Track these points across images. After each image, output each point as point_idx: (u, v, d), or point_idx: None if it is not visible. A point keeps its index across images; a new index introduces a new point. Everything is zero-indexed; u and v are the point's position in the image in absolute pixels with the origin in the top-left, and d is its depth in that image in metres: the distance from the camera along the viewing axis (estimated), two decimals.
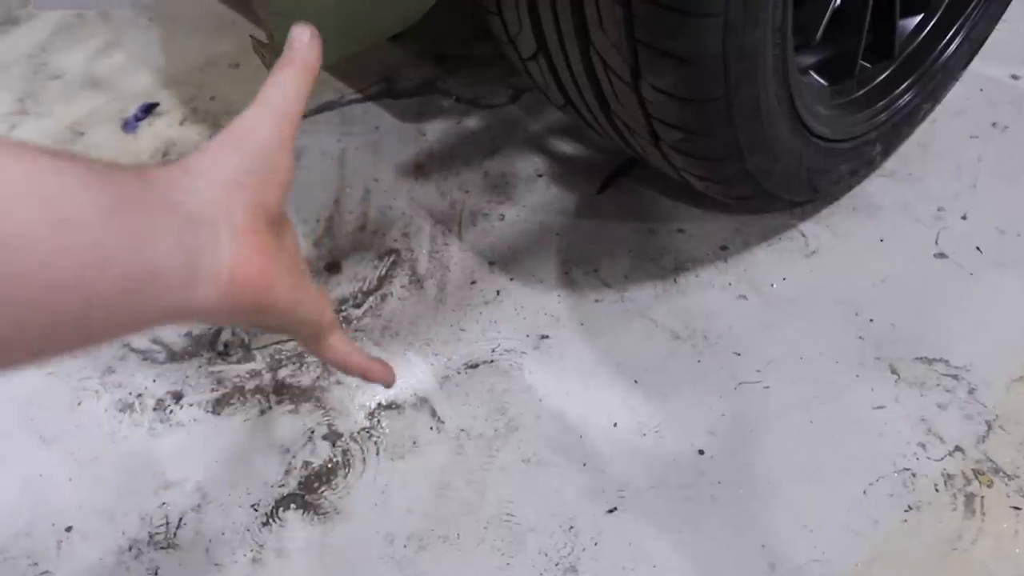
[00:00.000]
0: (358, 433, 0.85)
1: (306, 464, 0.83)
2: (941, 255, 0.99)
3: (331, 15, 0.67)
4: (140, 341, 0.98)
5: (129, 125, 1.38)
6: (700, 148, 0.76)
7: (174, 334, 0.98)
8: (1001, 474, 0.77)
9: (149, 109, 1.40)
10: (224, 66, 1.42)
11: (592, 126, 0.90)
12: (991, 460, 0.78)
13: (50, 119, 1.41)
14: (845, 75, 0.95)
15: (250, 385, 0.91)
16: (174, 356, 0.96)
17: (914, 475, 0.77)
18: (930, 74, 1.02)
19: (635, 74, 0.70)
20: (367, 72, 1.36)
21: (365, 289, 1.00)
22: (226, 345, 0.96)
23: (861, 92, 0.97)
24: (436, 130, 1.24)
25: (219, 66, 1.43)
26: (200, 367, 0.94)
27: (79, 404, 0.92)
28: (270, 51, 0.67)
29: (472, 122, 1.25)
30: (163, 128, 1.35)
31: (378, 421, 0.86)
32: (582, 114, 0.88)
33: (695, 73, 0.67)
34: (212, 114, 1.35)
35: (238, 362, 0.94)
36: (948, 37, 1.03)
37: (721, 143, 0.75)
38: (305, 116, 1.30)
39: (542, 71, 0.84)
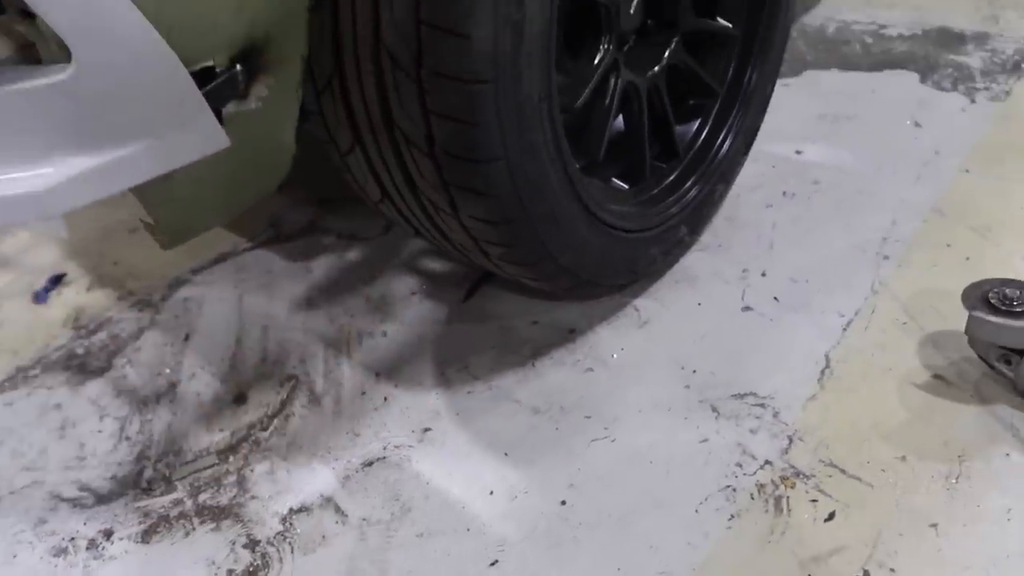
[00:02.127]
0: (274, 537, 0.98)
1: (230, 572, 0.95)
2: (747, 308, 1.21)
3: (202, 197, 0.84)
4: (69, 490, 1.09)
5: (39, 297, 1.50)
6: (516, 257, 0.96)
7: (100, 479, 1.09)
8: (801, 476, 0.95)
9: (57, 280, 1.54)
10: (123, 232, 1.57)
11: (442, 249, 1.10)
12: (793, 467, 0.96)
13: None
14: (640, 178, 1.18)
15: (174, 512, 1.03)
16: (101, 499, 1.07)
17: (734, 490, 0.95)
18: (714, 166, 1.26)
19: (454, 208, 0.90)
20: (256, 221, 1.53)
21: (270, 413, 1.14)
22: (149, 481, 1.08)
23: (657, 189, 1.20)
24: (322, 265, 1.42)
25: (118, 232, 1.58)
26: (127, 504, 1.05)
27: (15, 557, 1.02)
28: (158, 232, 0.83)
29: (352, 255, 1.43)
30: (72, 296, 1.48)
31: (290, 524, 0.99)
32: (439, 246, 1.07)
33: (494, 202, 0.87)
34: (117, 278, 1.50)
35: (161, 494, 1.06)
36: (722, 135, 1.28)
37: (531, 250, 0.95)
38: (201, 270, 1.46)
39: (392, 214, 1.03)
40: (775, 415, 1.03)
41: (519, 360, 1.16)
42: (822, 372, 1.08)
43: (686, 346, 1.15)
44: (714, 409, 1.05)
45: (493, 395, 1.11)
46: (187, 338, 1.31)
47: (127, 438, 1.15)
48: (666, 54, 1.16)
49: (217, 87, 0.71)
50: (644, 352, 1.15)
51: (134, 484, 1.08)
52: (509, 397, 1.10)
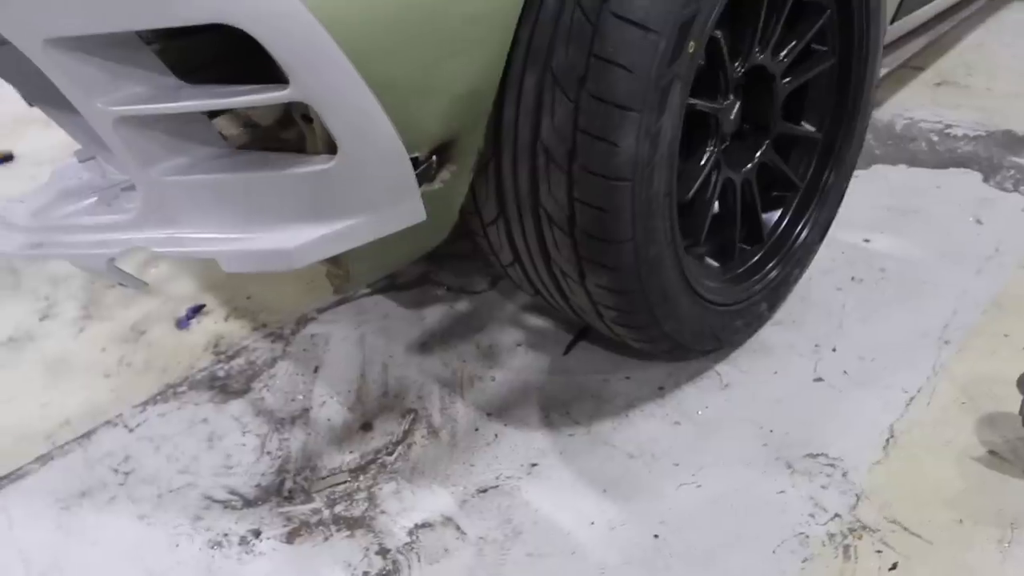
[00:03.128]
0: (402, 547, 1.14)
1: (365, 574, 1.11)
2: (819, 379, 1.35)
3: (382, 253, 1.03)
4: (220, 493, 1.26)
5: (182, 323, 1.71)
6: (628, 321, 1.12)
7: (246, 485, 1.27)
8: (868, 529, 1.08)
9: (198, 309, 1.75)
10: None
11: (557, 308, 1.27)
12: (860, 521, 1.10)
13: (112, 321, 1.74)
14: (729, 258, 1.34)
15: (313, 520, 1.20)
16: (248, 503, 1.24)
17: (807, 536, 1.08)
18: (792, 252, 1.42)
19: (582, 277, 1.08)
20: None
21: (394, 441, 1.31)
22: (290, 491, 1.25)
23: (743, 268, 1.36)
24: (434, 314, 1.60)
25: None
26: (271, 509, 1.22)
27: (177, 546, 1.19)
28: (344, 280, 1.02)
29: (462, 306, 1.62)
30: (211, 324, 1.68)
31: (416, 537, 1.15)
32: (555, 306, 1.24)
33: (618, 275, 1.04)
34: (250, 311, 1.70)
35: (301, 503, 1.23)
36: (801, 225, 1.44)
37: (642, 317, 1.12)
38: (325, 309, 1.66)
39: (518, 276, 1.21)
40: (844, 475, 1.17)
41: (614, 410, 1.32)
42: (887, 441, 1.22)
43: (764, 409, 1.30)
44: (789, 465, 1.19)
45: (592, 439, 1.27)
46: (316, 370, 1.50)
47: (268, 452, 1.33)
48: (758, 154, 1.34)
49: (420, 173, 0.90)
50: (726, 411, 1.30)
51: (277, 492, 1.25)
52: (606, 442, 1.26)
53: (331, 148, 0.80)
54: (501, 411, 1.34)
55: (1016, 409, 1.13)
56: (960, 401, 1.28)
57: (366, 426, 1.35)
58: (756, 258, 1.39)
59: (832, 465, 1.18)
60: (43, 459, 1.38)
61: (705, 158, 1.20)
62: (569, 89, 0.95)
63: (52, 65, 0.72)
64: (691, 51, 0.97)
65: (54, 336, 1.71)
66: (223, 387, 1.49)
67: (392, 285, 1.70)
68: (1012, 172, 1.93)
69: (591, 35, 0.92)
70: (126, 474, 1.32)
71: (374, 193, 0.83)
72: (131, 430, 1.41)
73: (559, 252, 1.07)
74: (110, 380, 1.55)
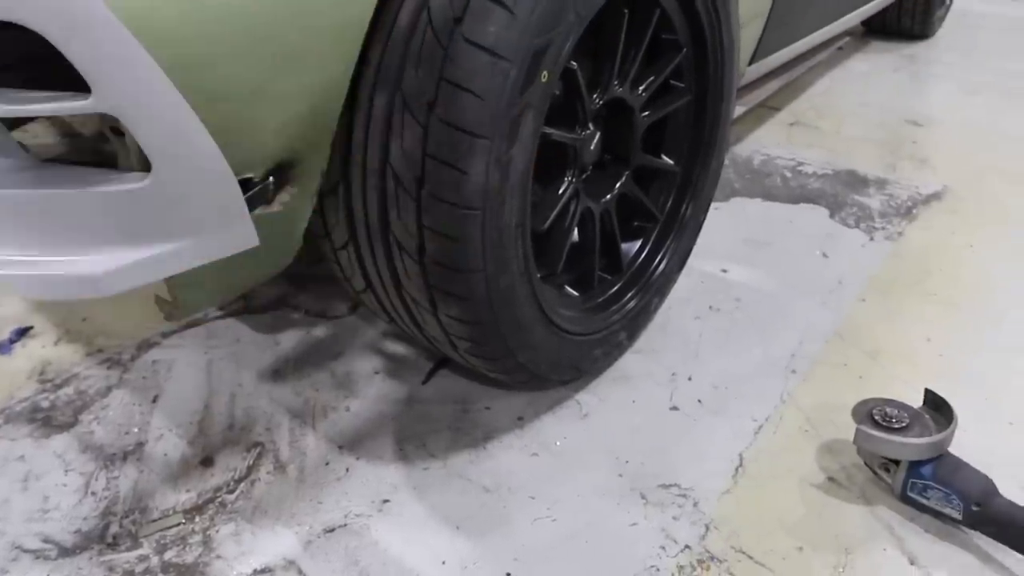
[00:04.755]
0: None
1: None
2: (674, 407, 1.37)
3: (216, 279, 0.96)
4: (31, 541, 1.13)
5: (3, 348, 1.55)
6: (482, 351, 1.10)
7: (64, 532, 1.14)
8: (715, 560, 1.09)
9: (24, 332, 1.59)
10: None
11: (413, 337, 1.22)
12: (708, 552, 1.11)
13: None
14: (588, 287, 1.34)
15: (139, 568, 1.09)
16: (65, 551, 1.12)
17: (658, 570, 1.08)
18: (651, 282, 1.44)
19: (433, 307, 1.04)
20: None
21: (236, 477, 1.22)
22: (115, 537, 1.14)
23: (602, 298, 1.37)
24: (289, 340, 1.52)
25: None
26: (91, 558, 1.11)
27: None
28: (172, 307, 0.94)
29: (319, 331, 1.54)
30: (38, 348, 1.53)
31: None
32: (410, 335, 1.20)
33: (471, 306, 1.01)
34: (85, 335, 1.56)
35: (127, 550, 1.12)
36: (660, 255, 1.46)
37: (496, 348, 1.09)
38: (171, 333, 1.55)
39: (372, 303, 1.16)
40: (695, 505, 1.18)
41: (472, 442, 1.28)
42: (736, 469, 1.24)
43: (621, 438, 1.30)
44: (643, 496, 1.19)
45: (447, 473, 1.23)
46: (155, 399, 1.38)
47: (92, 493, 1.21)
48: (618, 184, 1.35)
49: (253, 195, 0.84)
50: (584, 441, 1.29)
51: (99, 539, 1.13)
52: (462, 475, 1.22)
53: (145, 164, 0.73)
54: (354, 444, 1.28)
55: (852, 437, 1.18)
56: (804, 429, 1.32)
57: (207, 461, 1.26)
58: (615, 288, 1.40)
59: (684, 495, 1.19)
60: None
61: (563, 187, 1.20)
62: (419, 113, 0.92)
63: None
64: (544, 80, 0.95)
65: None
66: (46, 420, 1.35)
67: (246, 308, 1.61)
68: (855, 209, 2.05)
69: (442, 59, 0.90)
70: None
71: (196, 215, 0.77)
72: None
73: (410, 281, 1.03)
74: None
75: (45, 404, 1.38)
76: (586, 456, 1.26)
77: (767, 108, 2.73)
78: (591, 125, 1.22)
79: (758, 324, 1.59)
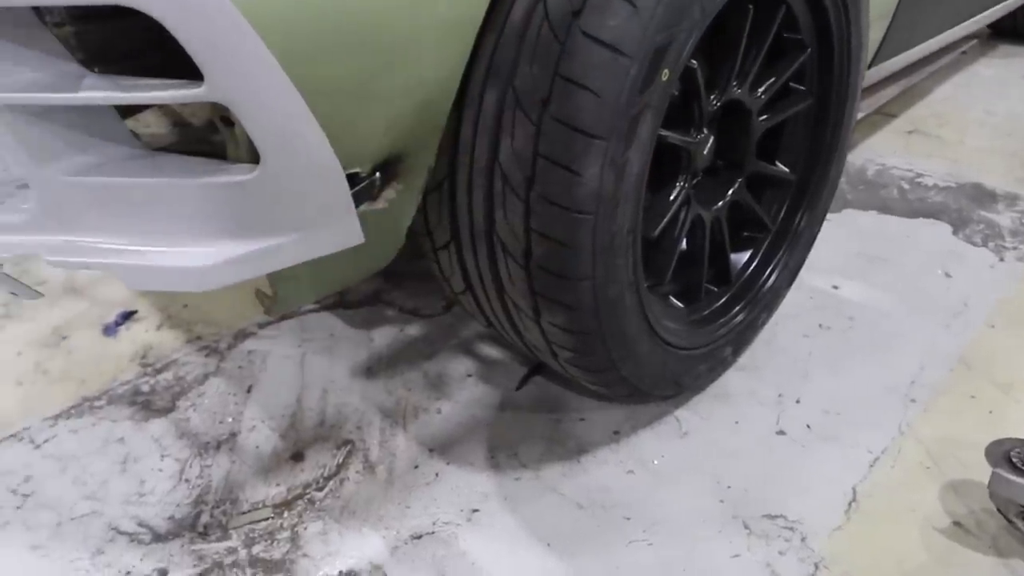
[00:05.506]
0: None
1: None
2: (781, 432, 1.28)
3: (318, 276, 0.94)
4: (127, 524, 1.15)
5: (109, 330, 1.59)
6: (584, 363, 1.04)
7: (158, 517, 1.15)
8: None
9: (128, 316, 1.63)
10: None
11: (511, 342, 1.18)
12: None
13: (33, 323, 1.61)
14: (694, 299, 1.27)
15: (228, 560, 1.09)
16: (158, 537, 1.13)
17: None
18: (760, 296, 1.36)
19: (536, 314, 0.99)
20: None
21: (326, 475, 1.21)
22: (205, 526, 1.14)
23: (708, 311, 1.29)
24: (383, 336, 1.51)
25: None
26: (183, 546, 1.11)
27: None
28: (272, 301, 0.92)
29: (413, 329, 1.52)
30: (141, 333, 1.57)
31: None
32: (508, 339, 1.16)
33: (576, 315, 0.96)
34: (186, 321, 1.59)
35: (216, 540, 1.12)
36: (770, 268, 1.38)
37: (599, 360, 1.04)
38: (267, 324, 1.55)
39: (471, 305, 1.13)
40: (803, 540, 1.09)
41: (566, 454, 1.23)
42: (849, 504, 1.15)
43: (722, 461, 1.22)
44: (746, 526, 1.11)
45: (540, 485, 1.18)
46: (249, 390, 1.39)
47: (186, 480, 1.22)
48: (730, 192, 1.27)
49: (360, 191, 0.81)
50: (683, 461, 1.22)
51: (191, 527, 1.14)
52: (555, 489, 1.17)
53: (255, 156, 0.71)
54: (444, 448, 1.25)
55: (983, 478, 1.07)
56: (925, 465, 1.21)
57: (297, 456, 1.25)
58: (722, 300, 1.32)
59: (791, 528, 1.11)
60: None
61: (675, 193, 1.14)
62: (531, 110, 0.87)
63: None
64: (664, 79, 0.89)
65: None
66: (146, 404, 1.37)
67: (341, 302, 1.61)
68: (982, 226, 1.90)
69: (558, 54, 0.85)
70: (25, 496, 1.20)
71: (303, 210, 0.74)
72: (37, 446, 1.29)
73: (513, 285, 0.99)
74: (22, 388, 1.42)
75: (145, 388, 1.41)
76: (685, 477, 1.20)
77: (882, 115, 2.58)
78: (706, 128, 1.15)
79: (873, 346, 1.48)
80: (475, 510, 1.14)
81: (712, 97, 1.12)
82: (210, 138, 0.89)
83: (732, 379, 1.39)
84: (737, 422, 1.30)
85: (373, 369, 1.42)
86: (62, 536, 1.14)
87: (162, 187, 0.71)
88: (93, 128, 0.73)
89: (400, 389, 1.37)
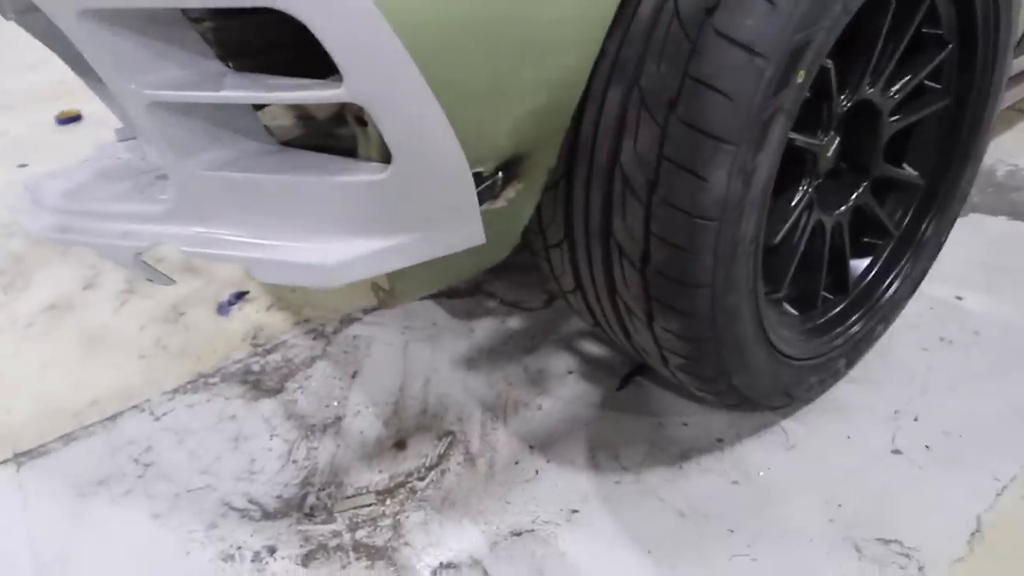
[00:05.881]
0: None
1: None
2: (897, 451, 1.22)
3: (434, 271, 0.94)
4: (239, 500, 1.19)
5: (223, 309, 1.66)
6: (695, 370, 1.01)
7: (267, 496, 1.20)
8: None
9: (240, 296, 1.69)
10: None
11: (617, 344, 1.17)
12: None
13: (153, 299, 1.69)
14: (810, 307, 1.22)
15: (332, 543, 1.12)
16: (267, 515, 1.17)
17: None
18: (878, 305, 1.29)
19: (649, 319, 0.97)
20: None
21: (427, 465, 1.23)
22: (311, 508, 1.18)
23: (823, 320, 1.24)
24: (484, 328, 1.51)
25: None
26: (290, 526, 1.15)
27: (188, 553, 1.12)
28: (388, 295, 0.93)
29: (514, 322, 1.52)
30: (252, 313, 1.63)
31: None
32: (614, 340, 1.14)
33: (692, 322, 0.94)
34: (294, 303, 1.64)
35: (322, 523, 1.15)
36: (891, 276, 1.30)
37: (711, 368, 1.01)
38: (372, 310, 1.58)
39: (579, 304, 1.11)
40: (920, 569, 1.04)
41: (667, 459, 1.21)
42: (972, 534, 1.08)
43: (833, 478, 1.17)
44: (857, 549, 1.07)
45: (640, 489, 1.16)
46: (354, 375, 1.42)
47: (294, 461, 1.26)
48: (853, 196, 1.21)
49: (482, 191, 0.80)
50: (790, 475, 1.18)
51: (298, 507, 1.17)
52: (655, 494, 1.15)
53: (385, 156, 0.72)
54: (545, 445, 1.25)
55: None
56: None
57: (400, 444, 1.27)
58: (838, 309, 1.26)
59: (907, 555, 1.05)
60: (67, 438, 1.33)
61: (797, 198, 1.09)
62: (657, 111, 0.85)
63: (84, 37, 0.65)
64: (800, 81, 0.85)
65: (94, 308, 1.67)
66: (256, 383, 1.43)
67: (443, 291, 1.62)
68: None
69: (688, 53, 0.82)
70: (146, 466, 1.26)
71: (429, 210, 0.74)
72: (157, 419, 1.36)
73: (627, 289, 0.97)
74: (144, 362, 1.50)
75: (256, 368, 1.46)
76: (792, 492, 1.15)
77: (1015, 111, 2.40)
78: (833, 130, 1.10)
79: (1000, 363, 1.39)
80: (575, 511, 1.14)
81: (843, 97, 1.06)
82: (335, 131, 0.91)
83: (844, 391, 1.33)
84: (849, 437, 1.24)
85: (474, 361, 1.43)
86: (179, 507, 1.19)
87: (294, 184, 0.72)
88: (230, 123, 0.75)
89: (501, 383, 1.37)
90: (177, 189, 0.76)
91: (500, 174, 0.83)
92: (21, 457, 1.30)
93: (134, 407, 1.39)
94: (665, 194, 0.86)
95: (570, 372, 1.39)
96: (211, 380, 1.44)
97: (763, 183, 0.88)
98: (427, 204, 0.74)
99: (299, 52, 0.81)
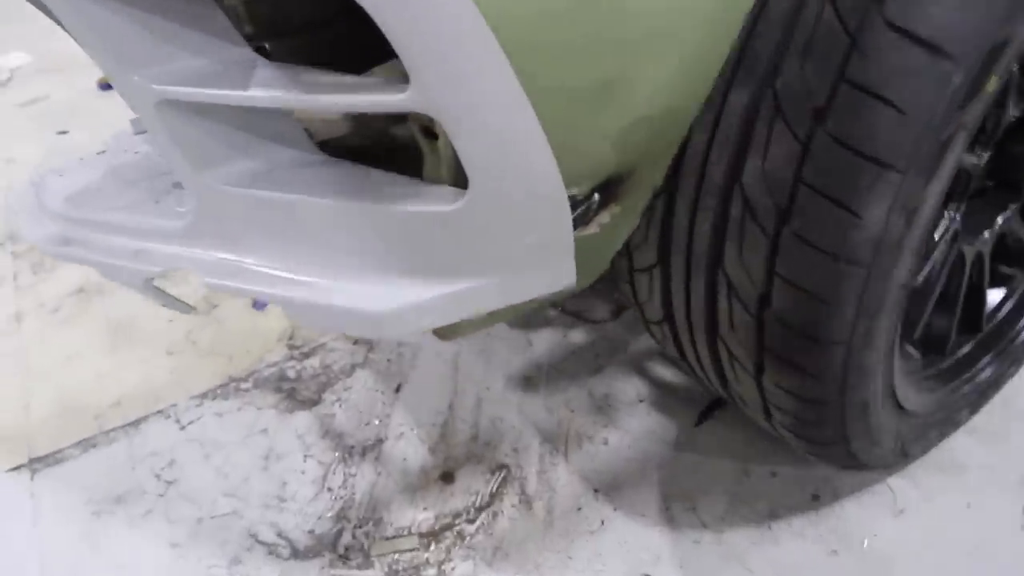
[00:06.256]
0: None
1: None
2: None
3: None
4: (267, 532, 1.07)
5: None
6: (808, 433, 0.84)
7: (298, 529, 1.06)
8: None
9: None
10: None
11: (706, 385, 1.00)
12: None
13: (186, 287, 1.56)
14: (938, 350, 1.03)
15: None
16: (297, 553, 1.04)
17: None
18: (1012, 347, 1.10)
19: (758, 371, 0.80)
20: None
21: (478, 504, 1.08)
22: (346, 548, 1.04)
23: (949, 364, 1.05)
24: (543, 341, 1.35)
25: None
26: (322, 568, 1.02)
27: None
28: (449, 331, 0.77)
29: (577, 336, 1.36)
30: None
31: None
32: (705, 381, 0.97)
33: (815, 383, 0.76)
34: None
35: (357, 567, 1.02)
36: None
37: (828, 432, 0.83)
38: None
39: (665, 338, 0.95)
40: None
41: (754, 516, 1.04)
42: None
43: (952, 554, 0.99)
44: None
45: (723, 553, 1.00)
46: (399, 389, 1.28)
47: (329, 489, 1.12)
48: (999, 220, 1.01)
49: (575, 217, 0.64)
50: (900, 548, 1.00)
51: (331, 547, 1.04)
52: (741, 561, 0.99)
53: (458, 178, 0.55)
54: (611, 489, 1.09)
55: None
56: None
57: (447, 476, 1.13)
58: (966, 350, 1.07)
59: None
60: (85, 444, 1.22)
61: (943, 227, 0.90)
62: (797, 123, 0.67)
63: (72, 12, 0.49)
64: (990, 90, 0.66)
65: (123, 294, 1.55)
66: (291, 392, 1.29)
67: None
68: None
69: (846, 50, 0.64)
70: (168, 483, 1.14)
71: (512, 247, 0.58)
72: (182, 427, 1.23)
73: (733, 332, 0.80)
74: (172, 359, 1.37)
75: (291, 374, 1.33)
76: (902, 568, 0.98)
77: None
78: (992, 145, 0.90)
79: None
80: (646, 575, 0.98)
81: (1019, 107, 0.87)
82: (390, 131, 0.75)
83: (961, 444, 1.14)
84: (969, 505, 1.06)
85: (532, 380, 1.27)
86: (201, 536, 1.07)
87: (339, 209, 0.57)
88: (262, 127, 0.60)
89: (562, 408, 1.22)
90: (196, 205, 0.61)
91: (596, 196, 0.66)
92: (36, 464, 1.19)
93: (159, 412, 1.26)
94: (800, 228, 0.68)
95: (641, 400, 1.22)
96: (243, 386, 1.31)
97: (927, 219, 0.70)
98: (508, 240, 0.58)
99: (351, 28, 0.65)
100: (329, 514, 1.08)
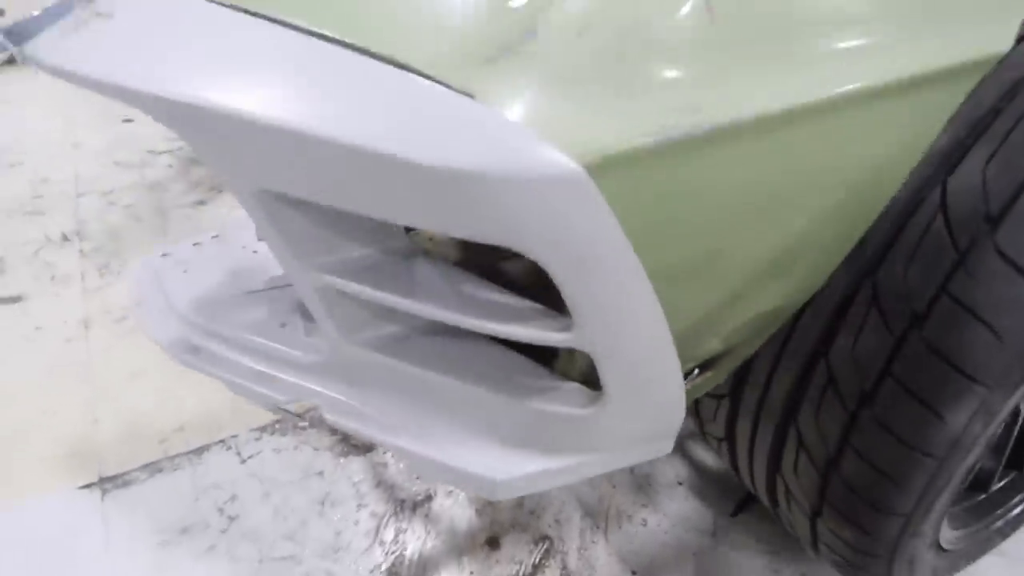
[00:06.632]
0: None
1: None
2: None
3: None
4: None
5: None
6: (855, 572, 0.90)
7: None
8: None
9: None
10: None
11: (758, 499, 1.05)
12: None
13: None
14: (981, 489, 1.08)
15: None
16: None
17: None
18: None
19: (815, 515, 0.85)
20: None
21: (522, 574, 1.14)
22: None
23: (983, 496, 1.09)
24: None
25: None
26: None
27: None
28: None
29: None
30: None
31: None
32: (757, 496, 1.02)
33: (869, 540, 0.81)
34: None
35: None
36: None
37: (873, 572, 0.88)
38: None
39: (722, 452, 1.00)
40: None
41: None
42: None
43: None
44: None
45: None
46: None
47: (381, 543, 1.18)
48: None
49: None
50: None
51: None
52: None
53: (587, 378, 0.60)
54: (648, 573, 1.15)
55: None
56: None
57: (492, 542, 1.19)
58: (1002, 483, 1.12)
59: None
60: (151, 468, 1.28)
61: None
62: (894, 319, 0.71)
63: (257, 207, 0.53)
64: None
65: None
66: (345, 436, 1.35)
67: None
68: None
69: (952, 265, 0.68)
70: (231, 519, 1.21)
71: (627, 436, 0.63)
72: (243, 461, 1.29)
73: (796, 478, 0.85)
74: None
75: None
76: None
77: None
78: None
79: None
80: None
81: None
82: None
83: (988, 565, 1.19)
84: None
85: None
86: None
87: (473, 392, 0.61)
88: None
89: (604, 484, 1.27)
90: (330, 351, 0.66)
91: (697, 371, 0.71)
92: (106, 484, 1.25)
93: (220, 442, 1.32)
94: (881, 415, 0.73)
95: (680, 483, 1.28)
96: (300, 423, 1.37)
97: (1003, 419, 0.74)
98: (627, 431, 0.62)
99: None
100: (381, 568, 1.15)
